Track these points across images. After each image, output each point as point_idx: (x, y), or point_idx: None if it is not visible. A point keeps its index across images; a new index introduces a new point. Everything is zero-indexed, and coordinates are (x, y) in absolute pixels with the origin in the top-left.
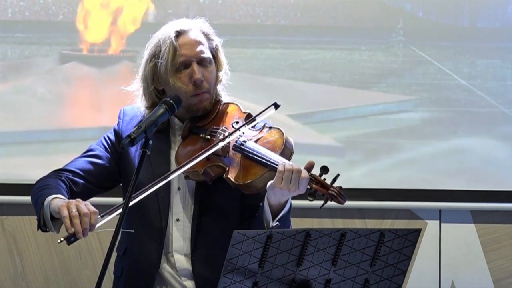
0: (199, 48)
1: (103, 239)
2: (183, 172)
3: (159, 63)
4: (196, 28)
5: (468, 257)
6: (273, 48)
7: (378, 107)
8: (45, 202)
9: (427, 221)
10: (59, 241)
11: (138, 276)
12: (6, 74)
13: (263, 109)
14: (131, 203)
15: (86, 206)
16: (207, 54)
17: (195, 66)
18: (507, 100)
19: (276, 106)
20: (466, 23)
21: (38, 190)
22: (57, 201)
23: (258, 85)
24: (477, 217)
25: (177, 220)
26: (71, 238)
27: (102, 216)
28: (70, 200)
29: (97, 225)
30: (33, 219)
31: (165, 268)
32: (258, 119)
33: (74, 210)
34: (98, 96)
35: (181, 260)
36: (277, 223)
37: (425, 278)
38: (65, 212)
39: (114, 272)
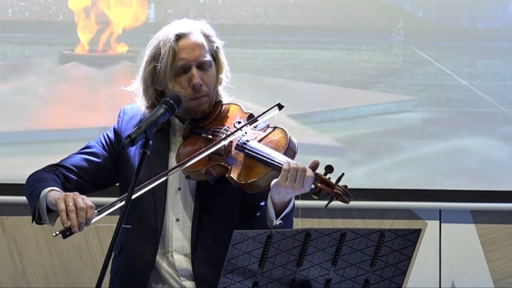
0: (198, 52)
1: (103, 238)
2: (184, 172)
3: (159, 66)
4: (197, 30)
5: (468, 257)
6: (273, 48)
7: (378, 107)
8: (42, 194)
9: (427, 221)
10: (54, 234)
11: (133, 275)
12: (6, 74)
13: (266, 109)
14: (104, 214)
15: (83, 200)
16: (207, 57)
17: (194, 71)
18: (507, 100)
19: (280, 106)
20: (466, 23)
21: (33, 182)
22: (54, 193)
23: (258, 85)
24: (477, 217)
25: (177, 220)
26: (66, 232)
27: (99, 211)
28: (68, 193)
29: (93, 220)
30: None
31: (164, 267)
32: (260, 120)
33: (71, 203)
34: (98, 96)
35: (181, 260)
36: (280, 221)
37: (425, 278)
38: (62, 205)
39: (110, 270)
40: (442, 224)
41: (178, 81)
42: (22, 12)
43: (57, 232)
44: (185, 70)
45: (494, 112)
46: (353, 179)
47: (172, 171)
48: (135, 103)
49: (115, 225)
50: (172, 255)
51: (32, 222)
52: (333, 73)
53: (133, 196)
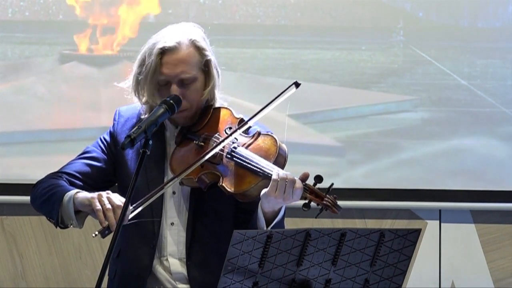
0: (180, 69)
1: (103, 239)
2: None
3: (140, 77)
4: (186, 43)
5: (468, 257)
6: (273, 48)
7: (378, 107)
8: (66, 198)
9: (427, 221)
10: (93, 235)
11: (130, 279)
12: (6, 74)
13: (284, 89)
14: (136, 212)
15: (117, 197)
16: (190, 73)
17: (173, 87)
18: (507, 100)
19: (297, 85)
20: (466, 23)
21: (46, 190)
22: (85, 194)
23: (258, 85)
24: (477, 217)
25: (172, 224)
26: (105, 231)
27: (134, 207)
28: (100, 193)
29: (130, 217)
30: (33, 219)
31: (159, 271)
32: (278, 101)
33: (106, 202)
34: (98, 96)
35: (176, 264)
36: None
37: (425, 278)
38: (98, 205)
39: (109, 273)
40: (442, 224)
41: (160, 94)
42: (22, 12)
43: (96, 233)
44: (166, 84)
45: (494, 112)
46: (353, 179)
47: (168, 184)
48: (131, 104)
49: (153, 219)
50: (167, 259)
51: (56, 227)
52: (333, 73)
53: (137, 211)
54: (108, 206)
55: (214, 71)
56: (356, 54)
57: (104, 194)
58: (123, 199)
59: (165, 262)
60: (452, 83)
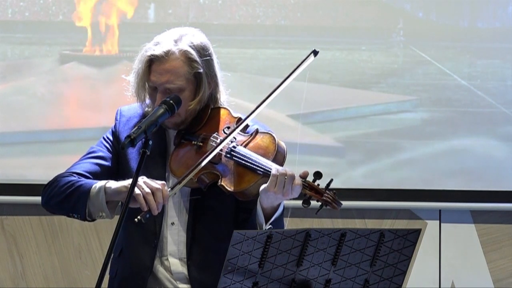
0: (166, 78)
1: (103, 239)
2: (177, 179)
3: (133, 78)
4: (175, 53)
5: (468, 257)
6: (273, 48)
7: (378, 107)
8: (94, 190)
9: (427, 221)
10: (136, 220)
11: (131, 278)
12: (6, 74)
13: (303, 58)
14: (172, 193)
15: (153, 181)
16: (175, 84)
17: (158, 95)
18: (507, 100)
19: (315, 53)
20: (466, 23)
21: (68, 186)
22: (117, 182)
23: (258, 85)
24: (477, 217)
25: (172, 223)
26: (146, 215)
27: (171, 188)
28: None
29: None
30: (33, 219)
31: (160, 271)
32: (298, 71)
33: (145, 187)
34: (97, 96)
35: (176, 264)
36: (270, 226)
37: (425, 278)
38: (137, 191)
39: (110, 272)
40: (442, 224)
41: (151, 97)
42: (22, 12)
43: (139, 217)
44: (155, 89)
45: (494, 112)
46: (353, 179)
47: (174, 190)
48: (132, 103)
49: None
50: (167, 259)
51: (85, 221)
52: (333, 73)
53: (173, 192)
54: (148, 190)
55: (205, 84)
56: (356, 54)
57: (140, 179)
58: (159, 182)
59: (165, 262)
60: (452, 83)
